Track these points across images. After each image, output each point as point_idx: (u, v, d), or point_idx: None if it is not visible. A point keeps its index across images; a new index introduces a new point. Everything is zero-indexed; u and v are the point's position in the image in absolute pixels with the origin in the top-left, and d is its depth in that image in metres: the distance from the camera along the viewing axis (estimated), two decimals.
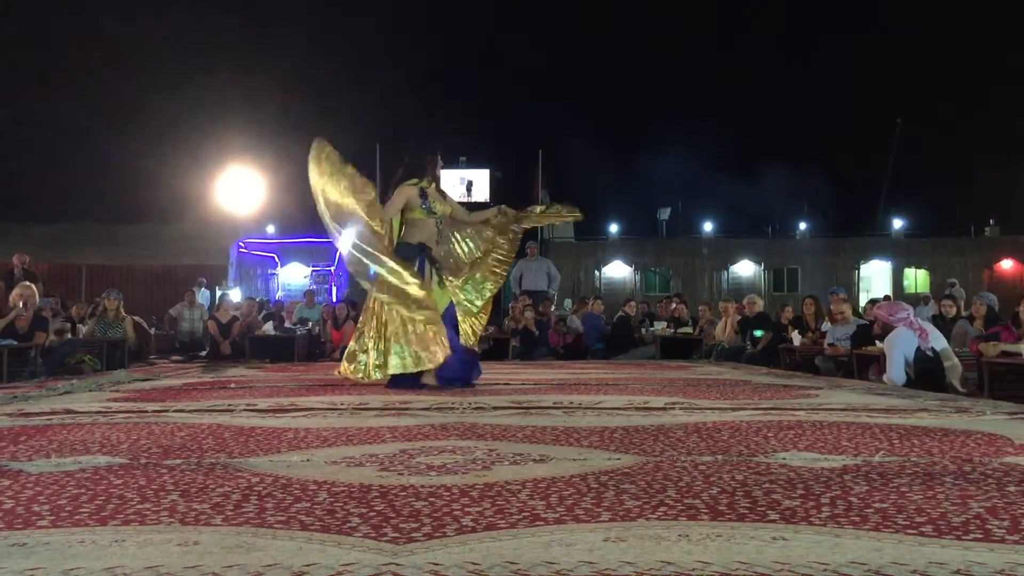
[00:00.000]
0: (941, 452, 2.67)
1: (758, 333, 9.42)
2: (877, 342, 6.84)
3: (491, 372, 5.79)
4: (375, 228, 5.37)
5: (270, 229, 26.33)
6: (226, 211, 22.68)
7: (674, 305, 12.21)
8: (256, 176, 23.24)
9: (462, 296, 5.86)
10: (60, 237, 20.70)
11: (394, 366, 5.31)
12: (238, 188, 22.77)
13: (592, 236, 33.43)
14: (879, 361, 6.50)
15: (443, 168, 5.92)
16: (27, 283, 7.70)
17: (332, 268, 23.62)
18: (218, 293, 14.86)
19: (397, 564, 1.45)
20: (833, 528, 1.69)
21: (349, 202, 5.34)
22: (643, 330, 11.73)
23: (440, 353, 5.28)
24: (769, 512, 1.83)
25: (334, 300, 17.38)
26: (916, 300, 15.86)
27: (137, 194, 26.73)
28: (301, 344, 10.70)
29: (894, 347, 6.11)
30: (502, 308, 12.90)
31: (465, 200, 22.85)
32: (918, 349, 6.04)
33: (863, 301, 17.49)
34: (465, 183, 25.53)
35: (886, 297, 17.12)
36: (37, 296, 7.66)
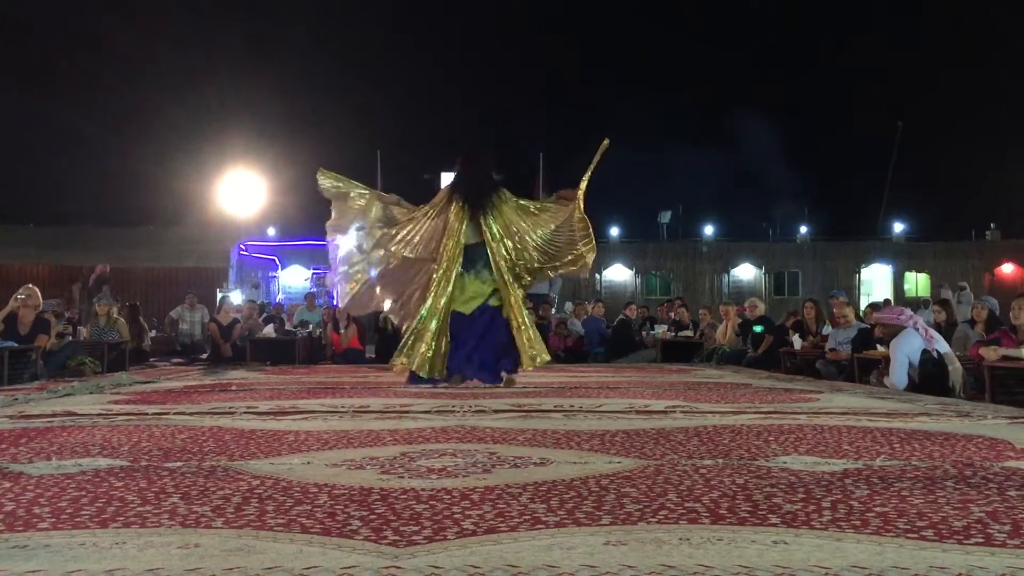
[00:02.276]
0: (942, 456, 2.67)
1: (758, 328, 9.43)
2: (879, 345, 6.84)
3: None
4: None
5: (271, 232, 26.36)
6: (227, 214, 22.70)
7: (674, 311, 12.20)
8: (257, 179, 23.26)
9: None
10: (61, 240, 20.71)
11: None
12: (239, 191, 22.79)
13: None
14: (881, 365, 6.49)
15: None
16: (30, 285, 7.70)
17: None
18: (218, 295, 14.86)
19: (398, 567, 1.45)
20: (834, 532, 1.69)
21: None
22: (644, 333, 11.72)
23: None
24: (770, 516, 1.83)
25: (335, 303, 17.39)
26: (916, 304, 15.85)
27: (138, 197, 26.79)
28: (302, 347, 10.69)
29: (898, 350, 6.10)
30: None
31: None
32: (924, 352, 6.03)
33: (864, 304, 17.48)
34: None
35: (886, 301, 17.11)
36: (40, 299, 7.65)
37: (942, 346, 6.04)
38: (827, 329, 8.55)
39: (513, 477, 2.29)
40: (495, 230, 6.07)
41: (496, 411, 4.05)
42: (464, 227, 6.05)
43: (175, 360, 11.07)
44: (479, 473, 2.36)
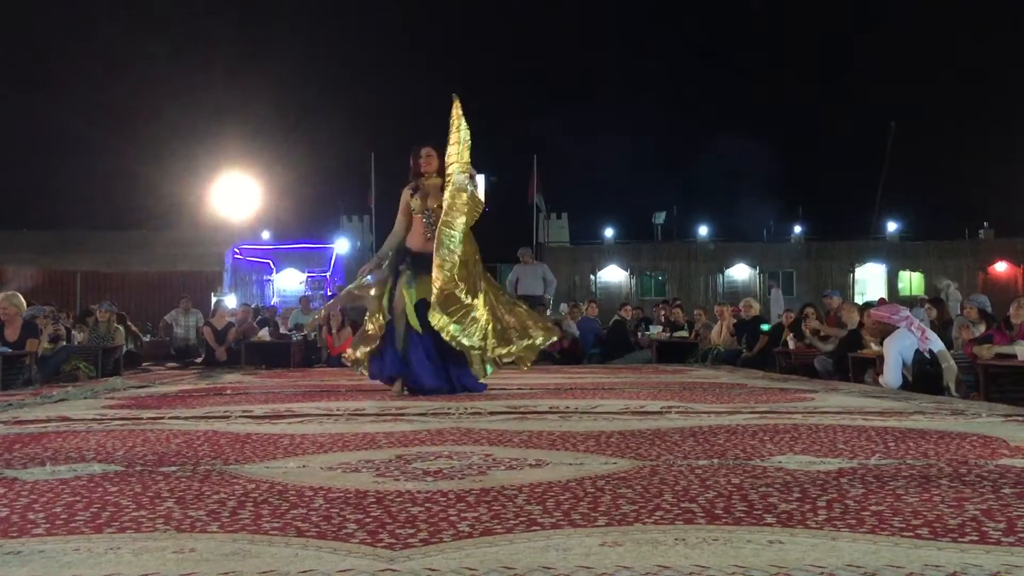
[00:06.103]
0: (937, 454, 2.68)
1: (765, 327, 9.48)
2: (872, 344, 6.85)
3: (488, 377, 5.78)
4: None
5: (265, 235, 26.34)
6: (221, 217, 22.68)
7: (668, 311, 12.22)
8: (251, 182, 23.26)
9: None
10: (54, 244, 20.68)
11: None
12: (233, 194, 22.78)
13: (588, 241, 33.45)
14: (876, 364, 6.51)
15: (429, 156, 5.60)
16: (12, 292, 7.64)
17: (327, 274, 23.63)
18: (213, 299, 14.82)
19: (393, 570, 1.45)
20: (829, 531, 1.69)
21: None
22: (639, 334, 11.74)
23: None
24: (766, 515, 1.83)
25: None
26: (912, 303, 15.90)
27: (132, 200, 26.79)
28: (297, 350, 10.69)
29: (892, 349, 6.12)
30: None
31: None
32: (917, 351, 6.05)
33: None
34: None
35: (881, 300, 17.16)
36: (22, 303, 7.58)
37: (936, 345, 6.06)
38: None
39: (509, 479, 2.29)
40: None
41: (491, 413, 4.05)
42: None
43: (169, 364, 11.05)
44: (475, 475, 2.36)
